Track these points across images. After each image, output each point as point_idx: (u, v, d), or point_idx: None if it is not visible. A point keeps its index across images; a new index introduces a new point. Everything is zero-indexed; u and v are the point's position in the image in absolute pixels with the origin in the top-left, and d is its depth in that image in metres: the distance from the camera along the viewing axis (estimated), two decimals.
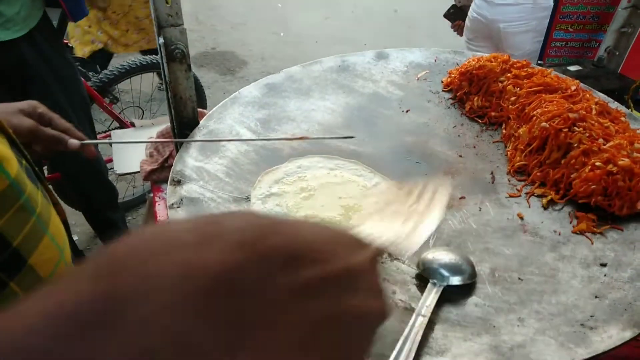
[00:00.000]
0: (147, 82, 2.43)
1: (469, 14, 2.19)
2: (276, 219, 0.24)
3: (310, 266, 0.23)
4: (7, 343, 0.18)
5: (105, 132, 2.20)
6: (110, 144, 0.96)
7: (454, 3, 2.40)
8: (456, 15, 2.41)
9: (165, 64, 0.89)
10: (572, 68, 1.30)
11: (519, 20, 1.93)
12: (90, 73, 2.28)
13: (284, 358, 0.21)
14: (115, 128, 2.19)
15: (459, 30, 2.45)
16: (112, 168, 2.08)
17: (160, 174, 1.02)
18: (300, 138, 0.91)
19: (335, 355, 0.23)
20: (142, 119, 2.45)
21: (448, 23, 2.57)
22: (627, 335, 0.59)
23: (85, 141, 0.73)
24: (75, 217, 2.14)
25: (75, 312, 0.19)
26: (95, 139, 1.86)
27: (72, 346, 0.18)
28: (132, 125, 1.54)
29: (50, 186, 0.57)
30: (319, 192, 0.85)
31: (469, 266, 0.69)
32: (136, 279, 0.19)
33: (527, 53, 2.01)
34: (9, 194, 0.42)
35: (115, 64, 2.23)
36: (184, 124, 0.97)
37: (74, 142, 0.71)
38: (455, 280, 0.66)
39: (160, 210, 0.98)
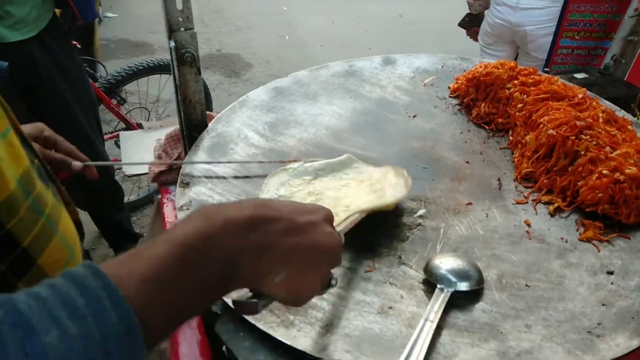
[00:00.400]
0: (153, 84, 2.44)
1: (488, 19, 2.20)
2: (268, 200, 0.50)
3: (285, 221, 0.45)
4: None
5: (111, 132, 2.21)
6: (112, 165, 0.97)
7: (468, 12, 2.41)
8: (471, 23, 2.43)
9: (175, 67, 0.89)
10: (579, 75, 1.30)
11: (546, 22, 1.94)
12: (98, 74, 2.30)
13: (284, 262, 0.44)
14: (122, 129, 2.20)
15: (475, 36, 2.46)
16: (118, 169, 2.10)
17: (168, 175, 1.02)
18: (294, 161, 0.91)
19: (305, 264, 0.46)
20: (148, 120, 2.47)
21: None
22: (635, 344, 0.60)
23: (87, 162, 0.76)
24: (80, 217, 2.15)
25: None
26: (102, 140, 1.87)
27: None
28: (140, 127, 1.54)
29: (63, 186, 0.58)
30: (325, 196, 0.85)
31: (476, 272, 0.69)
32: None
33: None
34: (18, 195, 0.42)
35: (123, 65, 2.25)
36: (192, 127, 0.98)
37: (77, 164, 0.75)
38: (463, 286, 0.67)
39: (168, 212, 0.98)
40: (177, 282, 0.37)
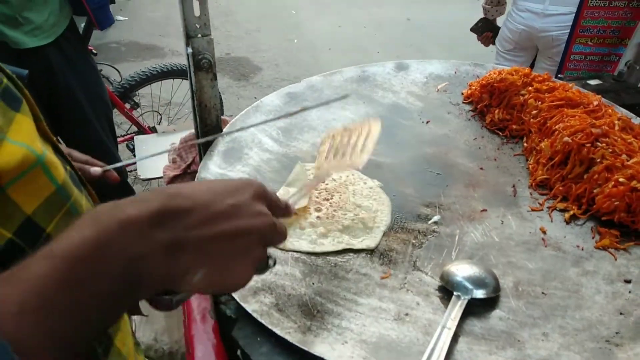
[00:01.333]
0: (164, 87, 2.47)
1: (509, 25, 2.20)
2: (180, 186, 0.41)
3: (200, 210, 0.39)
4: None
5: (123, 136, 2.23)
6: (126, 165, 0.98)
7: (482, 17, 2.42)
8: (484, 28, 2.44)
9: (192, 73, 0.90)
10: (593, 82, 1.30)
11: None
12: (112, 79, 2.33)
13: (201, 259, 0.38)
14: (134, 132, 2.23)
15: (486, 41, 2.46)
16: (131, 171, 2.12)
17: (182, 179, 1.03)
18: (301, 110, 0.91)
19: (227, 255, 0.40)
20: (159, 123, 2.49)
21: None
22: None
23: (106, 167, 0.76)
24: None
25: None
26: (116, 143, 1.90)
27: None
28: (152, 130, 1.56)
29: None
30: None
31: (492, 279, 0.69)
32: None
33: None
34: (56, 200, 0.43)
35: (136, 69, 2.27)
36: (208, 132, 0.99)
37: (96, 169, 0.75)
38: (480, 294, 0.67)
39: None
40: (65, 304, 0.32)
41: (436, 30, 5.02)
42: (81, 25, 1.72)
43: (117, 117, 2.31)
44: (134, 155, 1.74)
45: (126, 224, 0.35)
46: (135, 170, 1.87)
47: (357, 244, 0.77)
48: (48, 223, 0.42)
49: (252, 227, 0.42)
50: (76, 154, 0.75)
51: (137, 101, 2.29)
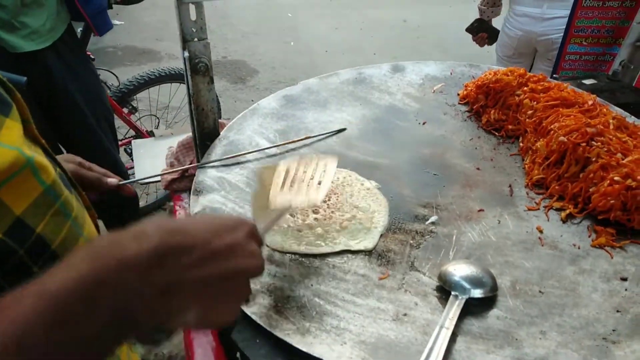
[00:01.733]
0: (162, 91, 2.47)
1: (507, 32, 2.20)
2: (179, 222, 0.43)
3: (200, 249, 0.39)
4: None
5: (120, 140, 2.24)
6: (138, 182, 0.99)
7: (478, 17, 2.43)
8: (480, 29, 2.45)
9: (189, 77, 0.91)
10: (587, 82, 1.31)
11: None
12: (110, 83, 2.34)
13: (195, 299, 0.38)
14: (132, 136, 2.24)
15: (481, 42, 2.48)
16: (132, 174, 2.12)
17: (180, 183, 1.04)
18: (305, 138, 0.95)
19: (219, 294, 0.41)
20: (157, 127, 2.50)
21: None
22: None
23: (122, 182, 0.79)
24: None
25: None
26: (117, 147, 1.91)
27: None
28: (150, 134, 1.56)
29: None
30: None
31: (490, 279, 0.70)
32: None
33: None
34: (45, 200, 0.44)
35: (133, 73, 2.28)
36: (205, 135, 0.99)
37: (112, 180, 0.78)
38: (477, 293, 0.67)
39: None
40: (53, 344, 0.31)
41: (432, 31, 5.04)
42: (79, 30, 1.73)
43: (116, 121, 2.32)
44: (132, 159, 1.74)
45: (125, 264, 0.34)
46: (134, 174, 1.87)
47: (355, 245, 0.77)
48: (38, 223, 0.43)
49: (246, 269, 0.43)
50: (95, 167, 0.78)
51: (134, 105, 2.30)
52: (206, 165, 0.93)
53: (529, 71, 1.11)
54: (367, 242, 0.78)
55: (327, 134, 1.04)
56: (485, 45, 2.50)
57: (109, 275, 0.33)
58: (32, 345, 0.30)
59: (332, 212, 0.83)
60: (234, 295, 0.43)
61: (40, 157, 0.45)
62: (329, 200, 0.85)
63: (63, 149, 1.74)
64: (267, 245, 0.77)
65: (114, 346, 0.35)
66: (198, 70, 0.90)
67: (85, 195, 0.59)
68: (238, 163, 0.95)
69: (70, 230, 0.48)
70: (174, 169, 1.01)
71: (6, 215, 0.40)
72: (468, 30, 2.50)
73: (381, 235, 0.80)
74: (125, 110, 2.23)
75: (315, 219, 0.81)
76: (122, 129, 2.41)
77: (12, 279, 0.40)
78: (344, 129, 1.05)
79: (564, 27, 1.90)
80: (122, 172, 1.94)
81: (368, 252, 0.76)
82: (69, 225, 0.48)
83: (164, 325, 0.38)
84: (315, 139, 1.02)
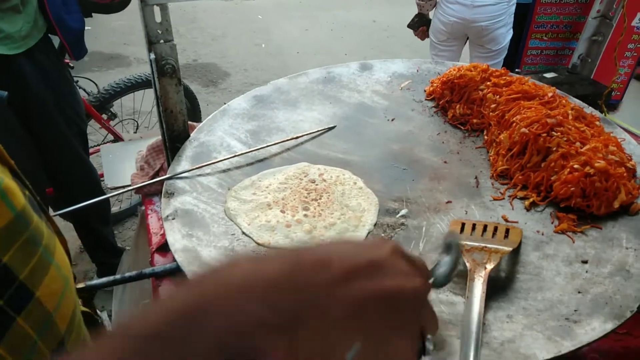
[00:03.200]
0: (145, 96, 2.46)
1: (441, 18, 2.39)
2: (304, 247, 0.35)
3: (338, 263, 0.32)
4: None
5: (96, 147, 2.22)
6: (131, 189, 0.97)
7: (418, 12, 2.60)
8: (420, 23, 2.62)
9: (156, 79, 0.90)
10: (548, 75, 1.35)
11: (498, 17, 2.15)
12: (89, 90, 2.32)
13: (338, 329, 0.30)
14: (110, 141, 2.23)
15: (422, 35, 2.67)
16: (104, 180, 2.09)
17: (151, 187, 1.03)
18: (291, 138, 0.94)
19: (384, 324, 0.32)
20: (136, 132, 2.49)
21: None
22: (609, 327, 0.63)
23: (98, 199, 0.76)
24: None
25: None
26: (88, 155, 1.89)
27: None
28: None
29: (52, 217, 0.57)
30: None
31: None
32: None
33: (504, 46, 2.23)
34: (14, 228, 0.41)
35: (115, 80, 2.26)
36: (175, 137, 0.99)
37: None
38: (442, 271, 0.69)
39: (153, 223, 0.99)
40: None
41: (402, 31, 5.09)
42: (56, 41, 1.70)
43: (93, 125, 2.28)
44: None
45: (238, 285, 0.29)
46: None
47: None
48: (4, 253, 0.40)
49: (404, 289, 0.34)
50: None
51: (113, 112, 2.29)
52: (180, 173, 0.93)
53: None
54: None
55: (319, 132, 1.05)
56: (427, 39, 2.64)
57: (208, 301, 0.29)
58: None
59: (322, 210, 0.84)
60: (401, 328, 0.34)
61: (8, 180, 0.41)
62: (320, 198, 0.87)
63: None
64: (255, 241, 0.79)
65: None
66: (165, 72, 0.90)
67: (54, 221, 0.56)
68: (209, 164, 0.95)
69: (40, 260, 0.44)
70: (149, 181, 0.99)
71: None
72: (409, 26, 2.65)
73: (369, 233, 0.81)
74: (104, 116, 2.22)
75: (305, 215, 0.83)
76: (94, 136, 2.37)
77: None
78: (334, 127, 1.07)
79: (493, 14, 2.11)
80: (95, 179, 1.91)
81: None
82: (39, 254, 0.44)
83: None
84: (301, 139, 1.03)
